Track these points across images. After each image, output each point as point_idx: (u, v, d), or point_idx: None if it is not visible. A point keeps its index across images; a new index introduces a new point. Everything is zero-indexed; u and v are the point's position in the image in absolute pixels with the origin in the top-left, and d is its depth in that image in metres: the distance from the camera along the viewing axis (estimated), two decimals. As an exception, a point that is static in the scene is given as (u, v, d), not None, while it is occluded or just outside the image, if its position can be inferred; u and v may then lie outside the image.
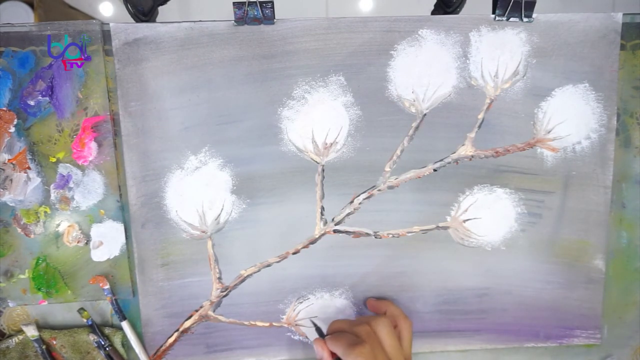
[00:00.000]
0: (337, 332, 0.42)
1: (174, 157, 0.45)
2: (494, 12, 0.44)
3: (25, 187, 0.44)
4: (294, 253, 0.47)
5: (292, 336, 0.48)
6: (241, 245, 0.46)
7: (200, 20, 0.43)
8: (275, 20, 0.43)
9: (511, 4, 0.44)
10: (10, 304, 0.46)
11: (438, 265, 0.47)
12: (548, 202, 0.47)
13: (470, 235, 0.47)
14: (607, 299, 0.49)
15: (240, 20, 0.43)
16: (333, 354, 0.41)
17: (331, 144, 0.45)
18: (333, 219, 0.46)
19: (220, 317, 0.47)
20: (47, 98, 0.44)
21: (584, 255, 0.48)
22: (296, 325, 0.48)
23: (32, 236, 0.45)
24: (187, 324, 0.47)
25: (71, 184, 0.45)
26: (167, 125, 0.44)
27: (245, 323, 0.47)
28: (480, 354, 0.50)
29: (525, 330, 0.49)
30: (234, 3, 0.43)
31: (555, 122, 0.46)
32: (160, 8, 0.48)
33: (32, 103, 0.44)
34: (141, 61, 0.43)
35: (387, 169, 0.46)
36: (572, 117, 0.46)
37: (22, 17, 1.03)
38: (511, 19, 0.44)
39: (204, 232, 0.46)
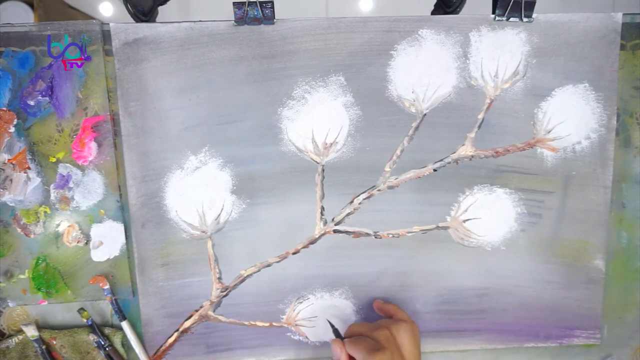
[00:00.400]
0: (355, 335, 0.42)
1: (174, 157, 0.45)
2: (493, 12, 0.44)
3: (25, 187, 0.44)
4: (294, 253, 0.47)
5: (292, 336, 0.48)
6: (241, 245, 0.46)
7: (200, 20, 0.43)
8: (275, 20, 0.43)
9: (511, 4, 0.44)
10: (10, 304, 0.46)
11: (438, 265, 0.47)
12: (548, 202, 0.47)
13: (470, 235, 0.47)
14: (607, 299, 0.49)
15: (240, 20, 0.43)
16: (351, 358, 0.41)
17: (331, 144, 0.45)
18: (333, 219, 0.46)
19: (220, 317, 0.47)
20: (47, 98, 0.44)
21: (584, 255, 0.48)
22: (296, 325, 0.48)
23: (32, 236, 0.45)
24: (187, 324, 0.47)
25: (71, 184, 0.45)
26: (167, 125, 0.44)
27: (245, 323, 0.47)
28: (480, 354, 0.50)
29: (525, 330, 0.49)
30: (234, 3, 0.43)
31: (555, 122, 0.46)
32: (160, 8, 0.48)
33: (32, 103, 0.44)
34: (141, 61, 0.43)
35: (387, 169, 0.46)
36: (572, 117, 0.46)
37: (22, 17, 1.03)
38: (511, 19, 0.44)
39: (204, 232, 0.46)
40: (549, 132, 0.46)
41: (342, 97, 0.45)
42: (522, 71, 0.45)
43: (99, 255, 0.46)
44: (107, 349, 0.46)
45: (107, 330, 0.47)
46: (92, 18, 1.08)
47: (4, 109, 0.43)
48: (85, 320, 0.46)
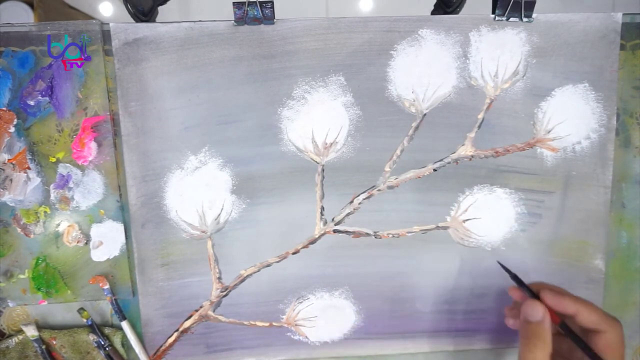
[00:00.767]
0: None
1: (174, 157, 0.45)
2: (493, 12, 0.44)
3: (25, 187, 0.44)
4: (293, 253, 0.47)
5: (292, 336, 0.48)
6: (241, 245, 0.46)
7: (200, 20, 0.43)
8: (275, 20, 0.43)
9: (511, 4, 0.44)
10: (10, 304, 0.46)
11: (438, 265, 0.47)
12: (548, 202, 0.47)
13: (470, 235, 0.47)
14: (607, 299, 0.49)
15: (240, 20, 0.43)
16: (554, 317, 0.36)
17: (331, 144, 0.45)
18: (333, 219, 0.46)
19: (220, 317, 0.47)
20: (47, 98, 0.44)
21: (584, 255, 0.48)
22: (296, 325, 0.48)
23: (32, 236, 0.45)
24: (187, 324, 0.47)
25: (71, 184, 0.45)
26: (167, 125, 0.44)
27: (245, 323, 0.47)
28: (480, 354, 0.50)
29: (525, 330, 0.49)
30: (234, 3, 0.43)
31: (555, 122, 0.46)
32: (160, 8, 0.48)
33: (32, 103, 0.44)
34: (141, 61, 0.43)
35: (387, 169, 0.46)
36: (572, 117, 0.46)
37: (22, 17, 1.03)
38: (511, 19, 0.44)
39: (204, 232, 0.46)
40: (549, 132, 0.46)
41: (342, 97, 0.45)
42: (522, 71, 0.45)
43: (99, 255, 0.46)
44: (107, 349, 0.46)
45: (107, 330, 0.47)
46: (92, 18, 1.08)
47: (4, 109, 0.43)
48: (85, 320, 0.46)
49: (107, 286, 0.45)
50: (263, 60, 0.44)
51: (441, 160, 0.46)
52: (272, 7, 0.43)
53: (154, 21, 0.47)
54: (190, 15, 1.16)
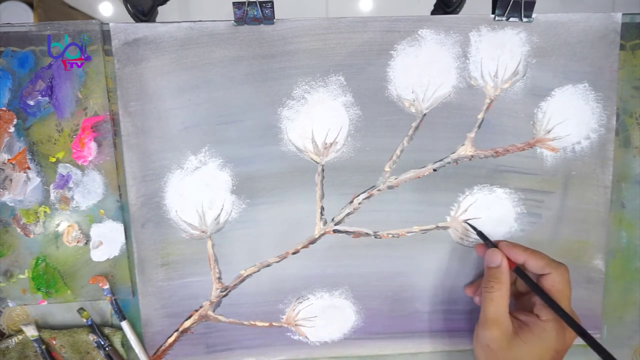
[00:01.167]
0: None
1: (174, 157, 0.45)
2: (493, 12, 0.44)
3: (25, 187, 0.44)
4: (293, 253, 0.47)
5: (292, 336, 0.48)
6: (241, 245, 0.46)
7: (200, 20, 0.43)
8: (275, 20, 0.43)
9: (511, 4, 0.44)
10: (10, 304, 0.46)
11: (438, 265, 0.47)
12: (548, 202, 0.47)
13: (470, 235, 0.47)
14: (607, 299, 0.49)
15: (240, 20, 0.43)
16: (511, 264, 0.41)
17: (331, 144, 0.45)
18: (333, 219, 0.46)
19: (220, 317, 0.47)
20: (47, 98, 0.44)
21: (584, 255, 0.48)
22: (296, 325, 0.48)
23: (32, 236, 0.45)
24: (187, 324, 0.47)
25: (71, 184, 0.45)
26: (167, 125, 0.44)
27: (245, 323, 0.47)
28: (480, 354, 0.50)
29: (525, 330, 0.49)
30: (233, 3, 0.43)
31: (555, 122, 0.46)
32: (160, 8, 0.48)
33: (31, 103, 0.44)
34: (141, 61, 0.43)
35: (387, 169, 0.46)
36: (571, 117, 0.46)
37: (22, 17, 1.03)
38: (511, 19, 0.44)
39: (203, 232, 0.46)
40: (549, 132, 0.46)
41: (342, 97, 0.45)
42: (522, 71, 0.45)
43: (99, 255, 0.46)
44: (107, 349, 0.46)
45: (106, 330, 0.47)
46: (92, 18, 1.08)
47: (4, 109, 0.43)
48: (85, 320, 0.46)
49: (107, 286, 0.45)
50: (263, 60, 0.44)
51: (441, 160, 0.46)
52: (272, 7, 0.43)
53: (153, 21, 0.47)
54: (190, 15, 1.16)
